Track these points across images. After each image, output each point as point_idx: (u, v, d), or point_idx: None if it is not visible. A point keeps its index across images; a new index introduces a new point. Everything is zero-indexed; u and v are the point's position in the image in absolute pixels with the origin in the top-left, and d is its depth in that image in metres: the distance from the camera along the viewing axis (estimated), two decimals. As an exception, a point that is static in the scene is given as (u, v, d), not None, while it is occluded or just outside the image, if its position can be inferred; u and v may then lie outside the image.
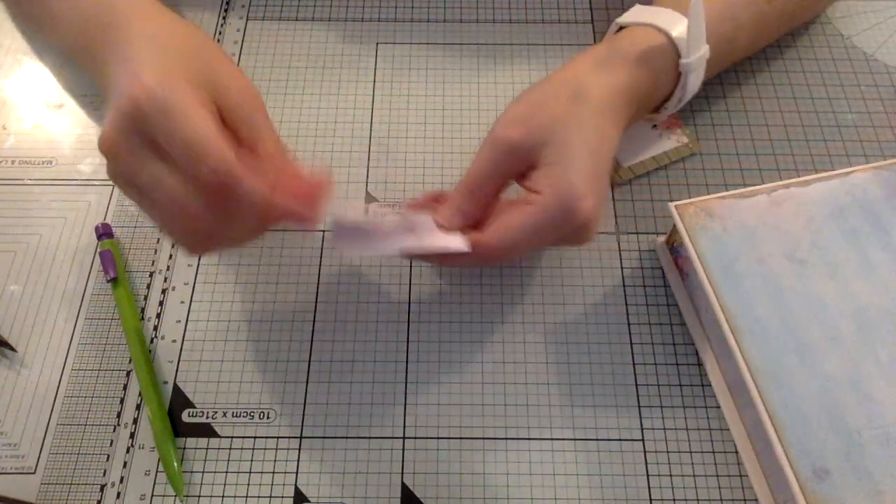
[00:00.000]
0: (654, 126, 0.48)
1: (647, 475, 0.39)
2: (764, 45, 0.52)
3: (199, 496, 0.38)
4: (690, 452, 0.39)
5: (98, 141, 0.33)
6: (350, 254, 0.43)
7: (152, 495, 0.38)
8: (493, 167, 0.38)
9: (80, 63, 0.42)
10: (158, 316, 0.43)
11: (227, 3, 0.56)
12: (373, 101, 0.51)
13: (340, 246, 0.37)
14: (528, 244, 0.37)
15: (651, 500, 0.38)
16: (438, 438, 0.40)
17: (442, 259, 0.40)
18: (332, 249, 0.45)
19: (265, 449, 0.39)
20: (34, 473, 0.39)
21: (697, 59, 0.42)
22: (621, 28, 0.44)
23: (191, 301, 0.44)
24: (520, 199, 0.37)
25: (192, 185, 0.32)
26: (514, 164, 0.38)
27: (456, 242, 0.37)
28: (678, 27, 0.41)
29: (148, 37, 0.36)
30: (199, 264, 0.45)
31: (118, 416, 0.40)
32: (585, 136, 0.37)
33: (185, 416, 0.40)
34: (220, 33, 0.54)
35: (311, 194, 0.34)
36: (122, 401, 0.41)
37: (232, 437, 0.40)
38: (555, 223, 0.36)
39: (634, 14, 0.43)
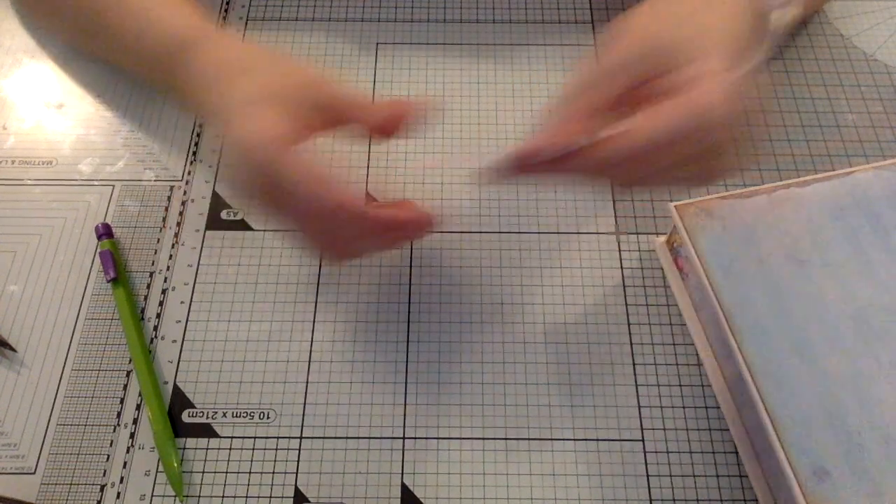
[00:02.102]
0: None
1: (647, 475, 0.39)
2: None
3: (199, 496, 0.38)
4: (690, 452, 0.39)
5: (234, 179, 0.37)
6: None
7: (152, 495, 0.38)
8: (605, 82, 0.33)
9: (144, 76, 0.46)
10: (158, 316, 0.43)
11: (227, 4, 0.56)
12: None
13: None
14: (674, 139, 0.31)
15: (651, 500, 0.38)
16: (438, 438, 0.40)
17: (563, 161, 0.34)
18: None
19: (265, 449, 0.39)
20: (34, 473, 0.39)
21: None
22: None
23: (191, 301, 0.44)
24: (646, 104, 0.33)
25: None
26: (627, 75, 0.33)
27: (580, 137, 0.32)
28: None
29: (225, 62, 0.39)
30: (198, 264, 0.45)
31: (118, 416, 0.40)
32: (721, 34, 0.33)
33: (185, 416, 0.40)
34: (220, 33, 0.54)
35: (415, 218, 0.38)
36: (122, 401, 0.41)
37: (232, 437, 0.40)
38: (702, 114, 0.31)
39: None
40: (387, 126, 0.38)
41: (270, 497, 0.38)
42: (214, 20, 0.43)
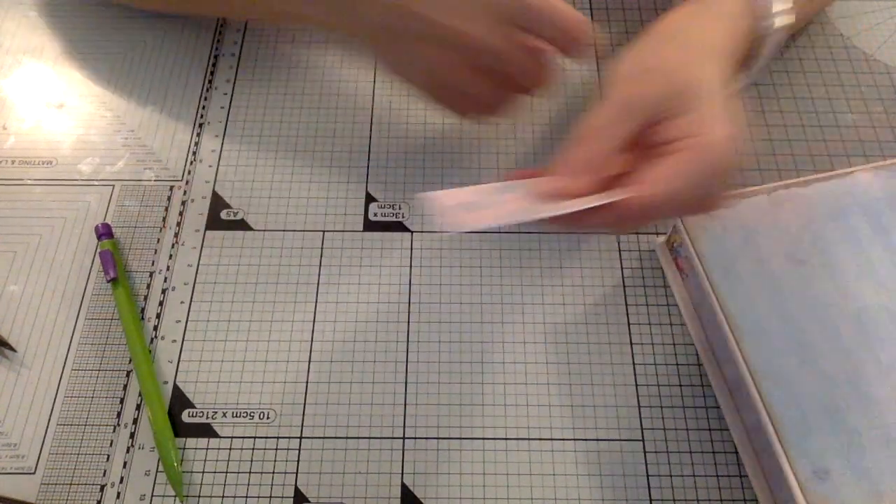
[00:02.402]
0: None
1: (647, 475, 0.39)
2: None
3: (199, 496, 0.38)
4: (690, 452, 0.39)
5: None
6: (472, 227, 0.34)
7: (152, 495, 0.38)
8: (620, 126, 0.35)
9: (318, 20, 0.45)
10: (158, 316, 0.43)
11: (227, 3, 0.56)
12: (373, 101, 0.51)
13: (455, 222, 0.32)
14: (688, 194, 0.34)
15: (651, 500, 0.38)
16: (438, 438, 0.40)
17: (582, 218, 0.34)
18: (332, 245, 0.45)
19: (265, 449, 0.39)
20: (34, 473, 0.39)
21: (778, 18, 0.41)
22: None
23: (191, 301, 0.44)
24: (657, 153, 0.34)
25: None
26: (641, 122, 0.35)
27: (598, 198, 0.33)
28: None
29: None
30: (198, 264, 0.45)
31: (118, 416, 0.40)
32: (709, 80, 0.35)
33: (185, 416, 0.40)
34: (219, 34, 0.54)
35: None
36: (122, 401, 0.41)
37: (232, 437, 0.40)
38: (713, 167, 0.33)
39: None
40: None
41: (270, 497, 0.38)
42: None
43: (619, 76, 0.36)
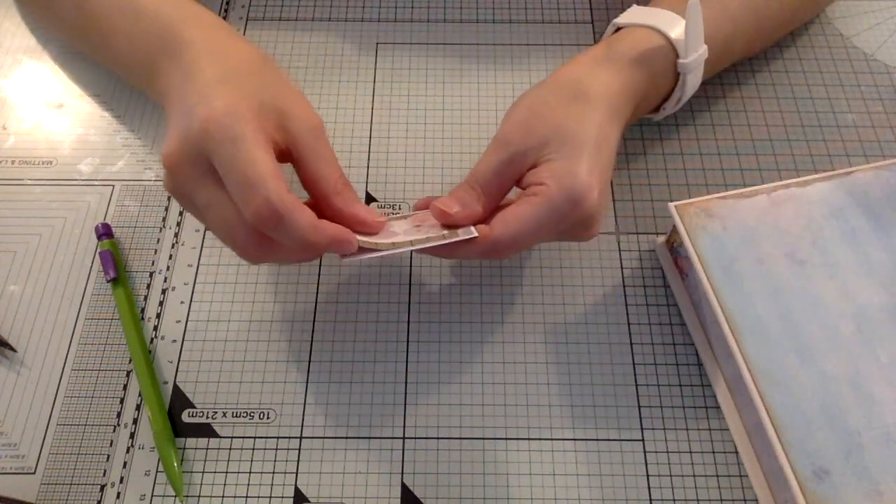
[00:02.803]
0: (417, 227, 0.40)
1: (647, 475, 0.39)
2: (763, 47, 0.52)
3: (199, 496, 0.38)
4: (690, 452, 0.39)
5: (162, 155, 0.34)
6: (359, 261, 0.40)
7: (152, 495, 0.38)
8: (497, 168, 0.38)
9: (133, 75, 0.43)
10: (158, 316, 0.43)
11: (227, 4, 0.56)
12: (373, 101, 0.51)
13: (348, 258, 0.36)
14: (534, 235, 0.37)
15: (651, 500, 0.38)
16: (438, 438, 0.40)
17: (451, 250, 0.38)
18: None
19: (265, 449, 0.39)
20: (34, 473, 0.39)
21: (696, 59, 0.42)
22: (619, 29, 0.44)
23: (191, 301, 0.44)
24: (523, 195, 0.38)
25: (242, 214, 0.33)
26: (517, 167, 0.38)
27: (461, 231, 0.37)
28: (676, 28, 0.41)
29: (213, 55, 0.37)
30: (198, 264, 0.45)
31: (118, 416, 0.40)
32: (586, 132, 0.37)
33: (185, 416, 0.40)
34: (220, 33, 0.54)
35: (353, 231, 0.36)
36: (122, 401, 0.41)
37: (232, 437, 0.40)
38: (560, 213, 0.36)
39: (632, 15, 0.43)
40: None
41: (270, 497, 0.38)
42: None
43: (509, 120, 0.39)
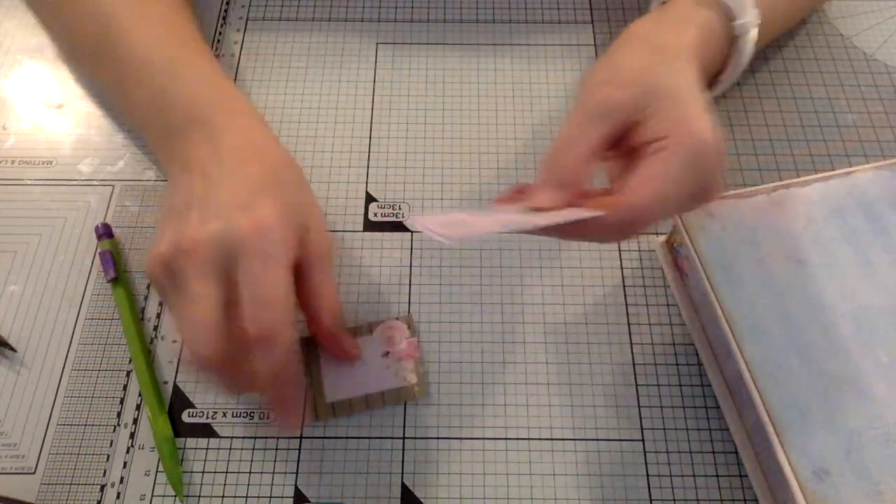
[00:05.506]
0: (386, 354, 0.41)
1: (647, 475, 0.39)
2: (798, 19, 0.52)
3: (199, 496, 0.38)
4: (690, 452, 0.39)
5: (179, 234, 0.34)
6: (464, 238, 0.34)
7: (152, 495, 0.38)
8: (592, 131, 0.34)
9: (150, 139, 0.43)
10: (158, 316, 0.43)
11: (227, 3, 0.56)
12: (373, 101, 0.51)
13: (447, 235, 0.32)
14: (676, 192, 0.33)
15: (651, 500, 0.38)
16: (438, 438, 0.40)
17: (576, 230, 0.34)
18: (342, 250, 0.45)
19: (265, 449, 0.39)
20: (34, 473, 0.39)
21: (750, 21, 0.41)
22: (664, 3, 0.43)
23: (191, 301, 0.44)
24: (641, 158, 0.34)
25: (233, 323, 0.33)
26: (615, 124, 0.34)
27: (582, 212, 0.33)
28: None
29: (248, 151, 0.37)
30: (199, 264, 0.45)
31: (118, 416, 0.40)
32: (680, 76, 0.35)
33: (185, 416, 0.40)
34: (220, 33, 0.54)
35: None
36: (122, 401, 0.41)
37: (232, 437, 0.40)
38: (698, 159, 0.33)
39: None
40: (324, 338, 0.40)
41: (270, 497, 0.38)
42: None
43: (590, 83, 0.36)
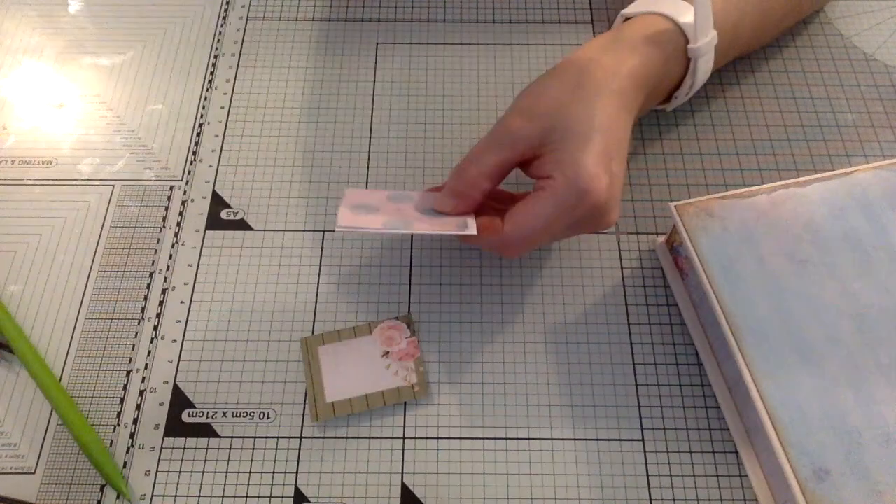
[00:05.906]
0: (386, 354, 0.42)
1: (647, 475, 0.39)
2: (769, 37, 0.51)
3: (199, 496, 0.38)
4: (690, 452, 0.39)
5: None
6: (355, 230, 0.40)
7: (152, 495, 0.38)
8: (497, 154, 0.38)
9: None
10: (158, 316, 0.43)
11: (227, 3, 0.56)
12: (373, 101, 0.51)
13: (346, 222, 0.37)
14: (545, 232, 0.37)
15: (651, 500, 0.38)
16: (438, 438, 0.40)
17: (466, 239, 0.39)
18: (331, 245, 0.45)
19: (265, 449, 0.39)
20: (34, 473, 0.39)
21: (706, 43, 0.42)
22: (627, 19, 0.44)
23: (191, 301, 0.44)
24: (531, 191, 0.37)
25: None
26: (517, 152, 0.38)
27: (461, 227, 0.37)
28: (685, 14, 0.41)
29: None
30: (198, 264, 0.45)
31: (118, 415, 0.40)
32: (591, 119, 0.37)
33: (185, 416, 0.40)
34: (220, 33, 0.54)
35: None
36: (122, 401, 0.41)
37: (232, 437, 0.40)
38: (568, 206, 0.36)
39: (640, 4, 0.43)
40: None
41: (270, 497, 0.38)
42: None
43: (513, 108, 0.39)
